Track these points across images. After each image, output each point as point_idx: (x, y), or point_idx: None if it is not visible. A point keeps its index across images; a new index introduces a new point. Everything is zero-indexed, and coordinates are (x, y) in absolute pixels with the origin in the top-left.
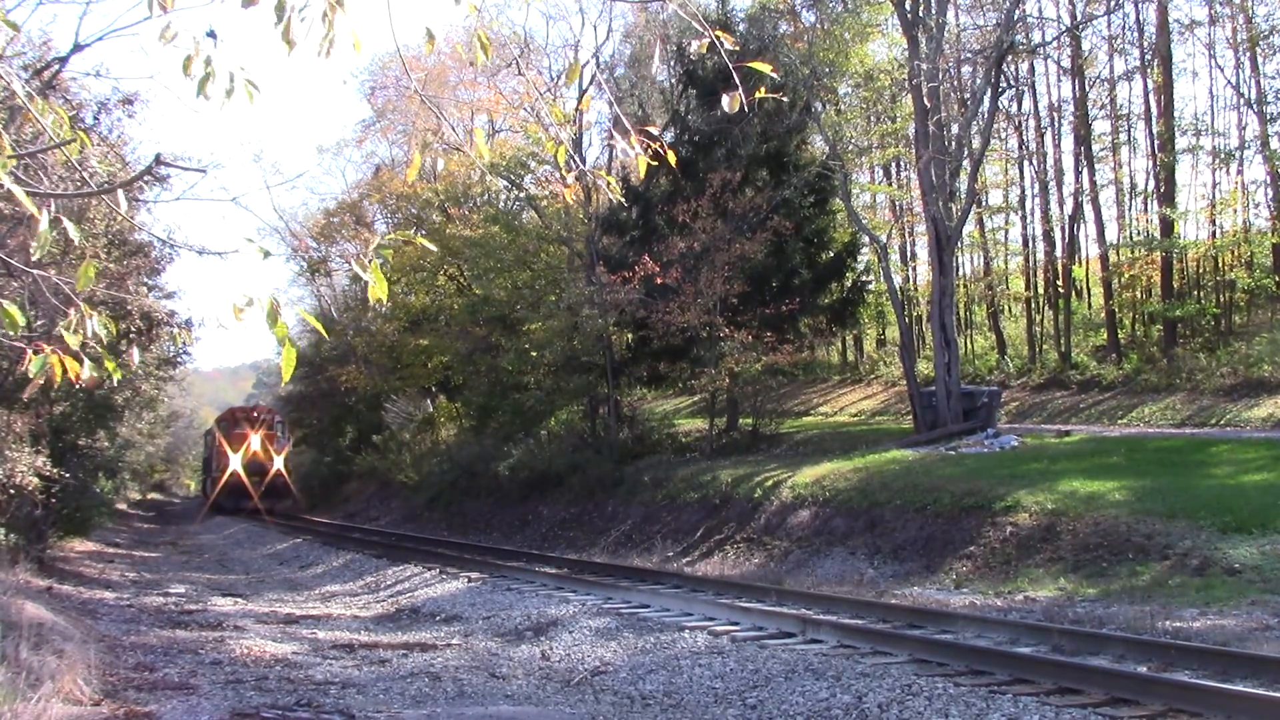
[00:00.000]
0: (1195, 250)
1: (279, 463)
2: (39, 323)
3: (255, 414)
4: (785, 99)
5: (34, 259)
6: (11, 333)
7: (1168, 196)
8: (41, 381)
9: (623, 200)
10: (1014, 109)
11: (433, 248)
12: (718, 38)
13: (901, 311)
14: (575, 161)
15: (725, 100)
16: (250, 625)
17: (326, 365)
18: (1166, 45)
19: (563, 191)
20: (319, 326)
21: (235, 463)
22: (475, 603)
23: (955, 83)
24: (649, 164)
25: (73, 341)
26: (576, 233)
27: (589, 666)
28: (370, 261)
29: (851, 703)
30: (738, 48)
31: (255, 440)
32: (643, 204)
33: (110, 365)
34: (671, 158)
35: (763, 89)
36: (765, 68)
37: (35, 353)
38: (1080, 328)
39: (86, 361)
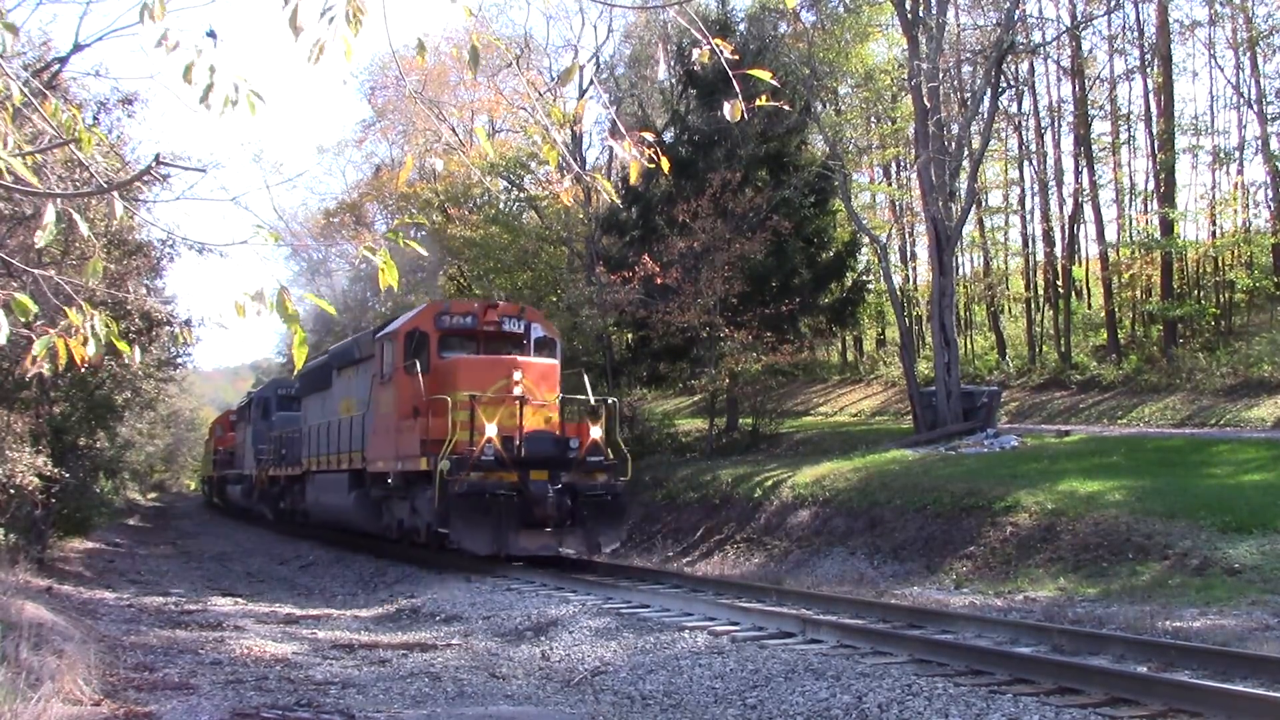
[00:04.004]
0: (1195, 250)
1: (596, 433)
2: (39, 323)
3: (499, 317)
4: (785, 106)
5: (39, 245)
6: (23, 319)
7: (1167, 196)
8: (46, 363)
9: (620, 202)
10: (1014, 109)
11: (424, 251)
12: (717, 46)
13: (901, 311)
14: (571, 164)
15: (726, 108)
16: (250, 625)
17: None
18: (1166, 45)
19: (560, 193)
20: (328, 307)
21: (493, 432)
22: (475, 603)
23: (955, 83)
24: (647, 165)
25: (77, 320)
26: (576, 233)
27: (589, 666)
28: (380, 247)
29: (851, 703)
30: (737, 56)
31: (535, 388)
32: (643, 204)
33: (121, 345)
34: (665, 164)
35: (764, 96)
36: (764, 74)
37: (38, 337)
38: (1080, 328)
39: (90, 341)
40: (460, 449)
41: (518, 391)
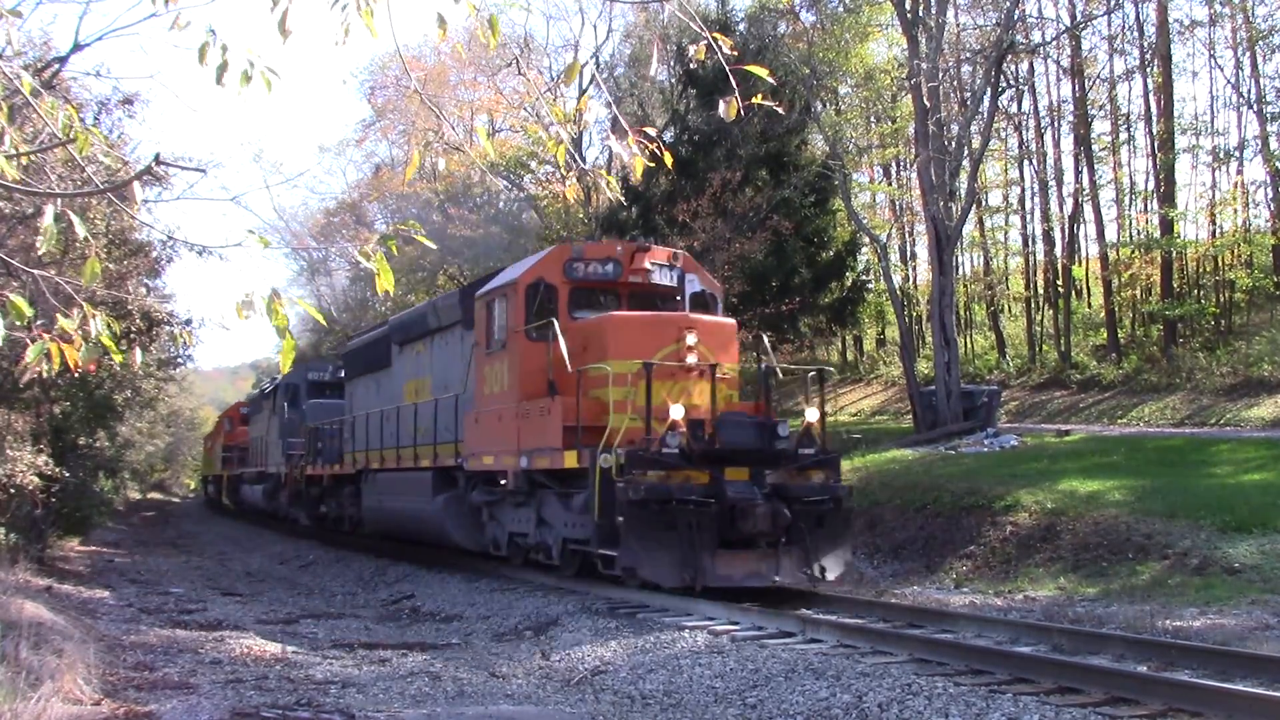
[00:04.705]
0: (1195, 250)
1: (812, 415)
2: (39, 323)
3: (650, 264)
4: (781, 109)
5: (40, 252)
6: (19, 322)
7: (1167, 196)
8: (40, 369)
9: (623, 199)
10: (1014, 109)
11: (432, 245)
12: (715, 40)
13: (901, 311)
14: (575, 160)
15: (722, 106)
16: (250, 625)
17: None
18: (1166, 45)
19: (563, 190)
20: (317, 315)
21: (678, 414)
22: (475, 602)
23: (955, 82)
24: (649, 164)
25: (69, 326)
26: (577, 233)
27: (589, 666)
28: (375, 251)
29: (851, 702)
30: (735, 52)
31: (712, 356)
32: (643, 204)
33: (113, 350)
34: (668, 159)
35: (759, 95)
36: (762, 71)
37: (33, 340)
38: (1080, 327)
39: (83, 345)
40: (633, 439)
41: (692, 359)
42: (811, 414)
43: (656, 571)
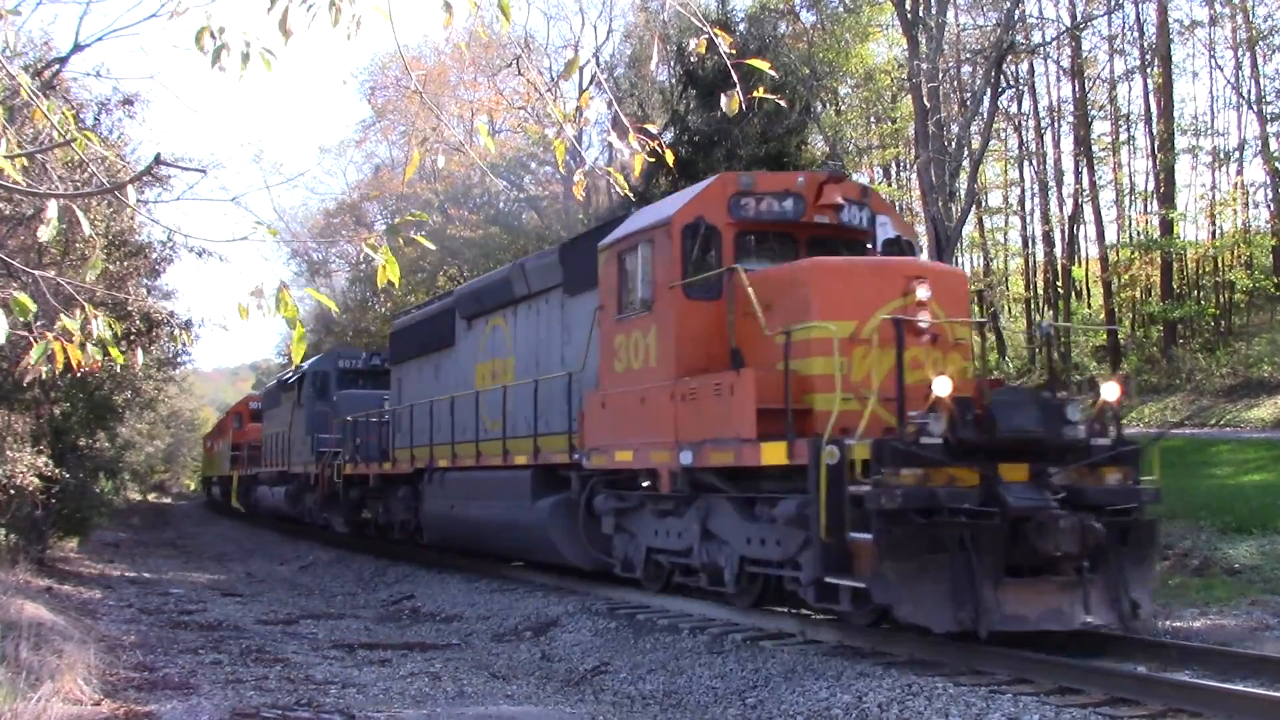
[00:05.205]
0: (1195, 251)
1: (1110, 392)
2: (39, 323)
3: (842, 199)
4: (784, 102)
5: (42, 240)
6: (22, 318)
7: (1167, 197)
8: (44, 369)
9: (630, 194)
10: (1014, 109)
11: (431, 245)
12: (716, 35)
13: None
14: (580, 156)
15: (724, 101)
16: (250, 625)
17: None
18: (1166, 45)
19: (571, 187)
20: (329, 303)
21: (943, 390)
22: (475, 602)
23: (955, 83)
24: (648, 163)
25: (72, 327)
26: (576, 234)
27: (589, 666)
28: (381, 244)
29: (851, 702)
30: (735, 49)
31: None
32: (642, 204)
33: (114, 352)
34: (669, 156)
35: (761, 89)
36: (764, 65)
37: (36, 339)
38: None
39: (88, 347)
40: (877, 427)
41: (924, 319)
42: (1109, 390)
43: (922, 610)
